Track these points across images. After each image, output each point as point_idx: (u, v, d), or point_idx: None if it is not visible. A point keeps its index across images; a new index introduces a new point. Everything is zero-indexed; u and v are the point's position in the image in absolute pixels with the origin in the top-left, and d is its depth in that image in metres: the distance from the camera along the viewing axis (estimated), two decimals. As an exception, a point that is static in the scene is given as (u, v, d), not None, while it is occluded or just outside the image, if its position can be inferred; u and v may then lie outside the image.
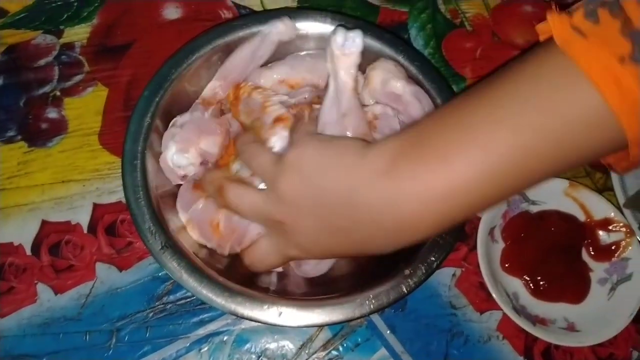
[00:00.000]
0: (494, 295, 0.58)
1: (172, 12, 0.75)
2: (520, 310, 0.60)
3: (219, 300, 0.49)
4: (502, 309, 0.60)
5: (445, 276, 0.62)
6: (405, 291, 0.51)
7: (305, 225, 0.41)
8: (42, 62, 0.71)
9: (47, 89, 0.69)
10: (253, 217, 0.47)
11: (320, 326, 0.57)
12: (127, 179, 0.53)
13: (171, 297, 0.60)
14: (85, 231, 0.62)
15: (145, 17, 0.75)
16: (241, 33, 0.60)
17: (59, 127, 0.67)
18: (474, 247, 0.63)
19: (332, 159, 0.40)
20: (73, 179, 0.65)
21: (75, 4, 0.75)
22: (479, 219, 0.62)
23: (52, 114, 0.68)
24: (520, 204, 0.65)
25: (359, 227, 0.39)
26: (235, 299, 0.49)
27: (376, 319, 0.60)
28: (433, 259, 0.53)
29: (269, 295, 0.51)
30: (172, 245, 0.51)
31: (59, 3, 0.75)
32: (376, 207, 0.37)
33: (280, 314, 0.49)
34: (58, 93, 0.69)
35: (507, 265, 0.63)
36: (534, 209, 0.65)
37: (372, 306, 0.50)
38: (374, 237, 0.40)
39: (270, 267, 0.51)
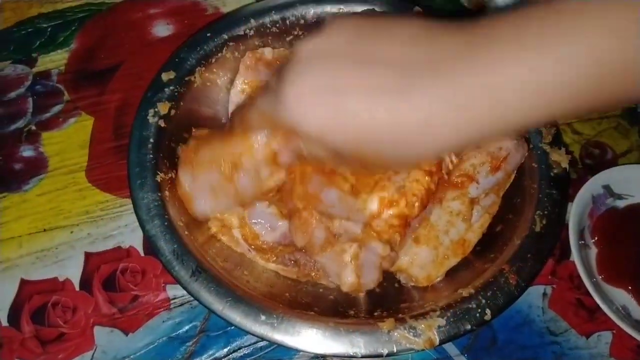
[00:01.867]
0: (608, 313, 0.47)
1: (162, 29, 0.66)
2: (636, 327, 0.47)
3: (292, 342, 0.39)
4: (611, 329, 0.50)
5: (535, 297, 0.51)
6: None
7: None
8: (12, 94, 0.60)
9: (20, 124, 0.59)
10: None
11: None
12: (137, 194, 0.41)
13: (195, 361, 0.47)
14: (77, 288, 0.50)
15: (133, 37, 0.65)
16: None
17: (36, 167, 0.56)
18: (561, 258, 0.52)
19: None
20: (58, 226, 0.53)
21: (49, 29, 0.65)
22: (565, 225, 0.51)
23: (27, 151, 0.57)
24: (606, 200, 0.54)
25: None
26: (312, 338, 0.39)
27: (461, 359, 0.47)
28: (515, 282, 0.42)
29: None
30: (206, 269, 0.39)
31: (29, 30, 0.65)
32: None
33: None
34: (34, 127, 0.58)
35: (604, 274, 0.51)
36: (621, 204, 0.55)
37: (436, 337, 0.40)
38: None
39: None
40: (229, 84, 0.54)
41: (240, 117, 0.42)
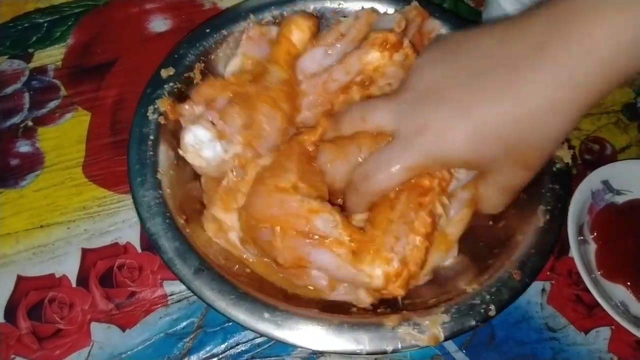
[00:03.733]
0: (606, 308, 0.47)
1: (159, 25, 0.66)
2: (635, 323, 0.47)
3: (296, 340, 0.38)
4: (610, 325, 0.50)
5: (533, 293, 0.50)
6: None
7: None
8: (9, 90, 0.60)
9: (16, 119, 0.58)
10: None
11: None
12: (137, 191, 0.41)
13: (193, 358, 0.46)
14: (73, 284, 0.50)
15: (129, 32, 0.65)
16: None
17: (33, 162, 0.56)
18: (560, 254, 0.52)
19: None
20: (54, 222, 0.52)
21: (45, 24, 0.65)
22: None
23: (23, 147, 0.56)
24: (605, 195, 0.54)
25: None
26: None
27: (459, 355, 0.47)
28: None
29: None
30: (209, 267, 0.39)
31: (25, 25, 0.64)
32: None
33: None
34: (30, 123, 0.58)
35: (603, 270, 0.51)
36: (620, 199, 0.54)
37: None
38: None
39: (398, 176, 0.39)
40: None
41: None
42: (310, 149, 0.44)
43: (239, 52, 0.51)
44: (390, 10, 0.54)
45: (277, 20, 0.54)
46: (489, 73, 0.36)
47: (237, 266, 0.44)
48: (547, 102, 0.34)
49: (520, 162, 0.37)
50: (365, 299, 0.42)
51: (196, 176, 0.48)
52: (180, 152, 0.45)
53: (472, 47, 0.38)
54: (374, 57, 0.44)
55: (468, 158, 0.37)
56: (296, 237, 0.39)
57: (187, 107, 0.46)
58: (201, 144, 0.44)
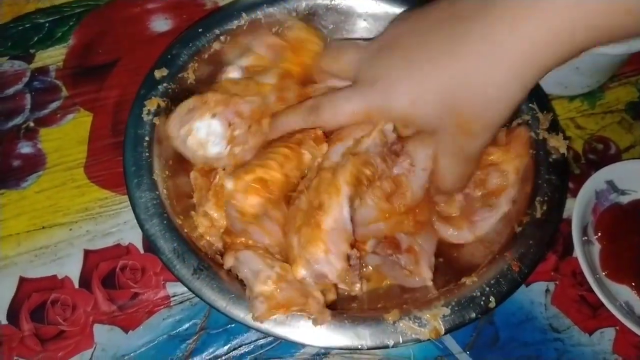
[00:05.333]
0: (611, 309, 0.46)
1: (161, 24, 0.65)
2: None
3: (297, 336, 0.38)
4: (615, 326, 0.49)
5: (537, 293, 0.50)
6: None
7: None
8: (10, 90, 0.60)
9: (18, 120, 0.58)
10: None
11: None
12: (134, 193, 0.41)
13: None
14: (76, 286, 0.50)
15: (130, 32, 0.65)
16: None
17: (34, 163, 0.56)
18: (564, 254, 0.52)
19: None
20: (56, 223, 0.52)
21: (47, 25, 0.64)
22: (568, 221, 0.50)
23: (25, 148, 0.56)
24: (609, 195, 0.53)
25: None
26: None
27: (463, 357, 0.47)
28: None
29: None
30: (208, 267, 0.39)
31: (26, 26, 0.64)
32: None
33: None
34: (32, 124, 0.58)
35: (607, 271, 0.51)
36: (625, 199, 0.54)
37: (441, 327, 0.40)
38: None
39: (342, 117, 0.43)
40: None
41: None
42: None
43: (254, 50, 0.52)
44: (384, 6, 0.54)
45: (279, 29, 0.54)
46: (436, 34, 0.38)
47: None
48: (485, 67, 0.35)
49: (464, 127, 0.38)
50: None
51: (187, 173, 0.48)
52: (180, 131, 0.45)
53: (432, 10, 0.40)
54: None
55: (410, 113, 0.39)
56: None
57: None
58: (211, 138, 0.44)
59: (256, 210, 0.41)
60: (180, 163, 0.48)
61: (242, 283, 0.41)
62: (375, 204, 0.42)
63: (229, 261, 0.39)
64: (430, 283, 0.44)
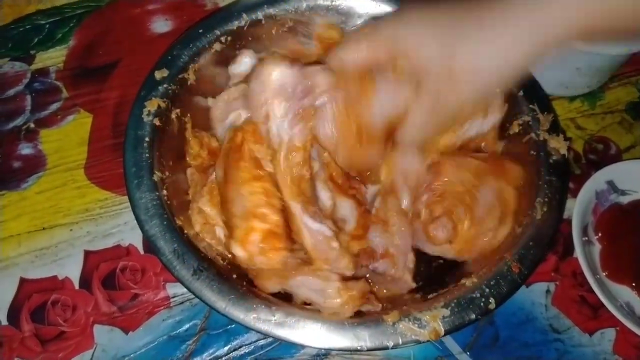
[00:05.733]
0: (611, 309, 0.46)
1: (161, 25, 0.66)
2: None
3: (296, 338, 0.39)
4: (615, 326, 0.49)
5: (538, 294, 0.50)
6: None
7: None
8: (11, 92, 0.60)
9: (18, 121, 0.58)
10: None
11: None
12: (134, 194, 0.41)
13: (196, 360, 0.46)
14: (76, 287, 0.50)
15: (131, 33, 0.65)
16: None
17: (35, 164, 0.56)
18: (565, 255, 0.52)
19: None
20: (57, 224, 0.53)
21: (47, 26, 0.65)
22: (568, 221, 0.50)
23: (26, 149, 0.57)
24: (609, 196, 0.53)
25: None
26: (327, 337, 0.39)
27: (463, 357, 0.47)
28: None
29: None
30: (207, 268, 0.39)
31: (27, 27, 0.64)
32: None
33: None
34: (32, 125, 0.58)
35: (607, 271, 0.50)
36: (625, 199, 0.54)
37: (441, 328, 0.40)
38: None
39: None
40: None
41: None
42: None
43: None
44: (384, 7, 0.54)
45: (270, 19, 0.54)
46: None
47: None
48: (497, 42, 0.38)
49: (453, 72, 0.39)
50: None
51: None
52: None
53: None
54: None
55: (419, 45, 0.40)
56: None
57: None
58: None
59: (282, 261, 0.40)
60: (180, 163, 0.48)
61: (243, 284, 0.41)
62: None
63: (274, 287, 0.41)
64: (413, 285, 0.44)
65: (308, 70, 0.40)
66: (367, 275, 0.45)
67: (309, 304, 0.42)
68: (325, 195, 0.43)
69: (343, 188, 0.45)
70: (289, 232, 0.40)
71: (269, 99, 0.39)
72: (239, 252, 0.38)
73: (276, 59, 0.40)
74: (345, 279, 0.41)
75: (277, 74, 0.39)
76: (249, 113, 0.43)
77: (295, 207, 0.40)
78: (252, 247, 0.38)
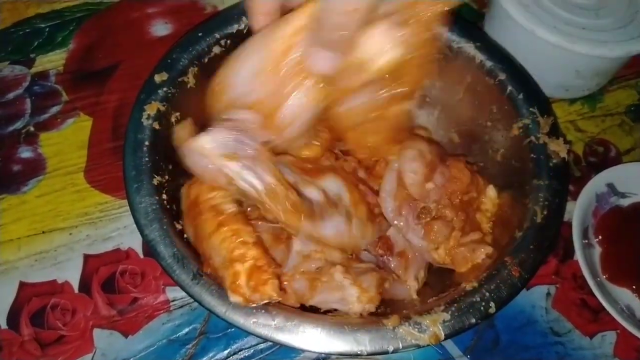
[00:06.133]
0: (612, 312, 0.46)
1: (161, 29, 0.66)
2: (640, 327, 0.47)
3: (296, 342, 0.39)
4: (616, 329, 0.49)
5: (538, 297, 0.50)
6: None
7: None
8: (10, 95, 0.60)
9: (18, 125, 0.58)
10: None
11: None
12: (134, 198, 0.41)
13: (195, 364, 0.46)
14: (76, 290, 0.50)
15: (131, 36, 0.65)
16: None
17: (35, 168, 0.56)
18: (565, 258, 0.52)
19: None
20: (56, 228, 0.53)
21: (47, 29, 0.65)
22: (568, 224, 0.50)
23: (25, 153, 0.56)
24: (610, 198, 0.53)
25: None
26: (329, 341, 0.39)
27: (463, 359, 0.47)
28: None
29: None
30: (207, 272, 0.39)
31: (27, 30, 0.64)
32: None
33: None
34: (32, 128, 0.58)
35: (608, 274, 0.50)
36: (625, 202, 0.54)
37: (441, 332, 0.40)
38: None
39: None
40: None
41: None
42: None
43: None
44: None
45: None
46: None
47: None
48: None
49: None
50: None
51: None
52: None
53: None
54: None
55: None
56: None
57: None
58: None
59: (275, 290, 0.39)
60: (180, 167, 0.47)
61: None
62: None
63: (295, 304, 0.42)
64: (414, 295, 0.44)
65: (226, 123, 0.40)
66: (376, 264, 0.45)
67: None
68: (308, 191, 0.42)
69: (313, 169, 0.45)
70: (270, 258, 0.40)
71: (217, 162, 0.39)
72: (235, 299, 0.38)
73: (191, 129, 0.41)
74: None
75: (208, 140, 0.38)
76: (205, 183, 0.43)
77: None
78: (243, 290, 0.38)
